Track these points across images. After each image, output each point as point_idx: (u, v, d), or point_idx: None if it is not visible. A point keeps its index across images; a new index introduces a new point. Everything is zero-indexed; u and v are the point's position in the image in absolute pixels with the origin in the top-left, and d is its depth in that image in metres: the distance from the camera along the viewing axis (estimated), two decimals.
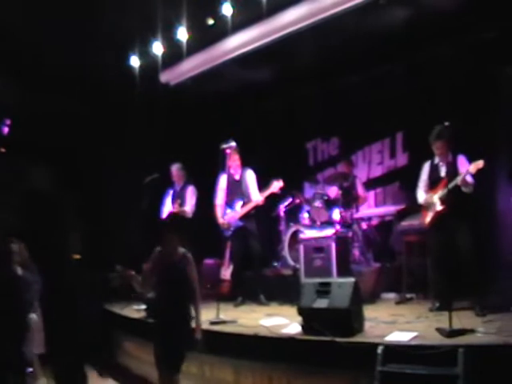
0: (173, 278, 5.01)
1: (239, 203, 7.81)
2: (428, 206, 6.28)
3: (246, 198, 7.82)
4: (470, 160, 5.97)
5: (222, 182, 7.94)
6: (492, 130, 6.65)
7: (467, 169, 5.81)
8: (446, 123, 5.92)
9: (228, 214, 7.84)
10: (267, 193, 7.65)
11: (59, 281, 3.61)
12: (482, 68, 7.36)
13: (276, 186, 7.60)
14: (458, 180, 5.89)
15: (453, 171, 6.11)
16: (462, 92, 7.42)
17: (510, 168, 6.16)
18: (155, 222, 8.64)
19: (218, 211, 7.96)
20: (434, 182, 6.27)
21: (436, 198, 6.13)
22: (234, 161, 7.83)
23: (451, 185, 5.95)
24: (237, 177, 7.96)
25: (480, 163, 5.67)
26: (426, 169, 6.51)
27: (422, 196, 6.46)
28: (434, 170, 6.37)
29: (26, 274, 5.20)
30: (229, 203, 7.89)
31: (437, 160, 6.35)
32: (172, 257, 5.06)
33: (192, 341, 4.97)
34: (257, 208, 7.82)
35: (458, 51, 7.87)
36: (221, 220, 7.89)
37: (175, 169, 8.78)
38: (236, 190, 7.88)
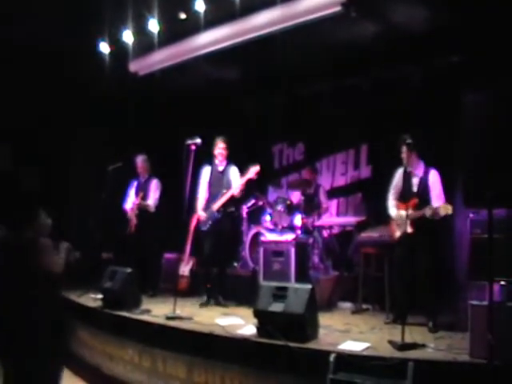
0: None
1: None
2: (398, 223, 6.24)
3: (226, 190, 7.53)
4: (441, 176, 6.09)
5: (205, 173, 7.72)
6: (451, 151, 6.79)
7: (438, 208, 5.74)
8: (408, 141, 6.04)
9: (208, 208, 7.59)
10: (245, 178, 7.39)
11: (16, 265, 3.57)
12: (446, 90, 7.44)
13: (253, 171, 7.38)
14: (427, 214, 5.83)
15: (424, 189, 6.10)
16: (426, 113, 7.52)
17: (464, 193, 6.31)
18: (114, 212, 8.63)
19: (200, 204, 7.66)
20: (405, 196, 6.13)
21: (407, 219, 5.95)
22: (219, 149, 7.61)
23: (419, 213, 5.91)
24: (220, 168, 7.67)
25: (449, 209, 5.68)
26: (397, 176, 6.44)
27: (393, 211, 6.41)
28: (406, 180, 6.28)
29: None
30: (211, 196, 7.64)
31: (409, 169, 6.28)
32: None
33: None
34: (237, 207, 7.86)
35: (423, 71, 8.05)
36: (200, 213, 7.62)
37: (140, 160, 8.65)
38: (218, 183, 7.62)
